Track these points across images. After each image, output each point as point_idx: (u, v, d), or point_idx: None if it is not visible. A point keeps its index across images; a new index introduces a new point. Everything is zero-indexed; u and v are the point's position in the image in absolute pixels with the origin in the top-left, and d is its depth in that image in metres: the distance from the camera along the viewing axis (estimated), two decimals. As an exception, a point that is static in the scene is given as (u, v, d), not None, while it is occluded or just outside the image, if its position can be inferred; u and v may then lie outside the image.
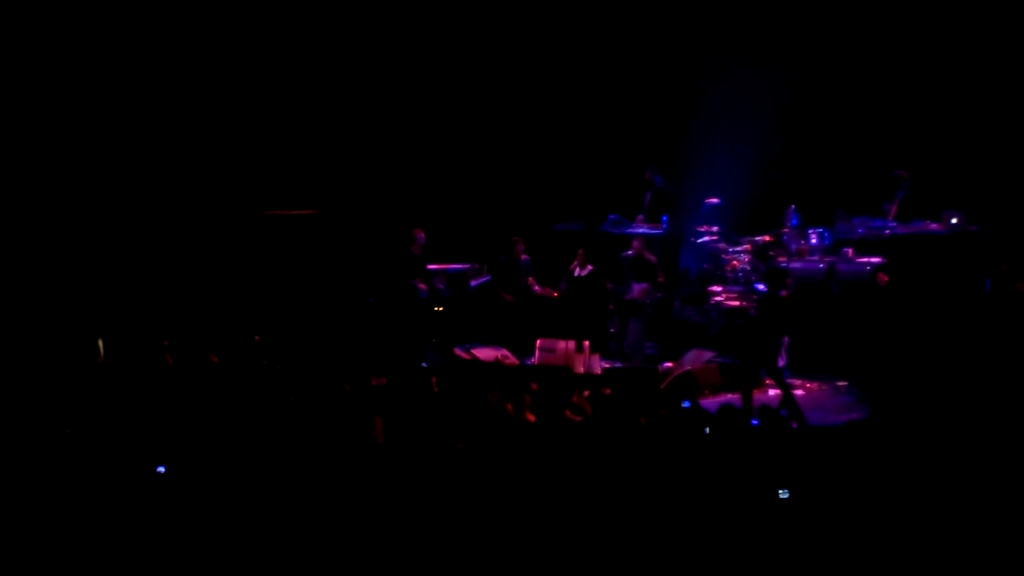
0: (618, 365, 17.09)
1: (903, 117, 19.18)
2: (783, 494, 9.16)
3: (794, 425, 12.21)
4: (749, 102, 19.95)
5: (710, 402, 14.11)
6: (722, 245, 18.58)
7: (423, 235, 18.38)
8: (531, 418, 11.65)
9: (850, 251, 17.71)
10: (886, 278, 16.60)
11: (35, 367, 13.78)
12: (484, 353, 16.63)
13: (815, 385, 16.35)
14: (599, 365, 16.51)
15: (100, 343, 15.35)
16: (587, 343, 16.42)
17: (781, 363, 15.53)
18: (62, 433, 11.21)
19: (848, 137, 19.44)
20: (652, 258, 18.12)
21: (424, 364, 16.77)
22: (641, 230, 19.04)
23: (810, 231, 18.13)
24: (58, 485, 10.13)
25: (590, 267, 18.17)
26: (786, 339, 15.92)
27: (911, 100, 19.19)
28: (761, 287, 17.38)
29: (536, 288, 18.38)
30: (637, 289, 17.78)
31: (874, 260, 17.38)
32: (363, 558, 9.05)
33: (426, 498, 9.54)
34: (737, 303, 17.62)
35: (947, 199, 17.74)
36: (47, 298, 18.08)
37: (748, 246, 18.34)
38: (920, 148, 18.71)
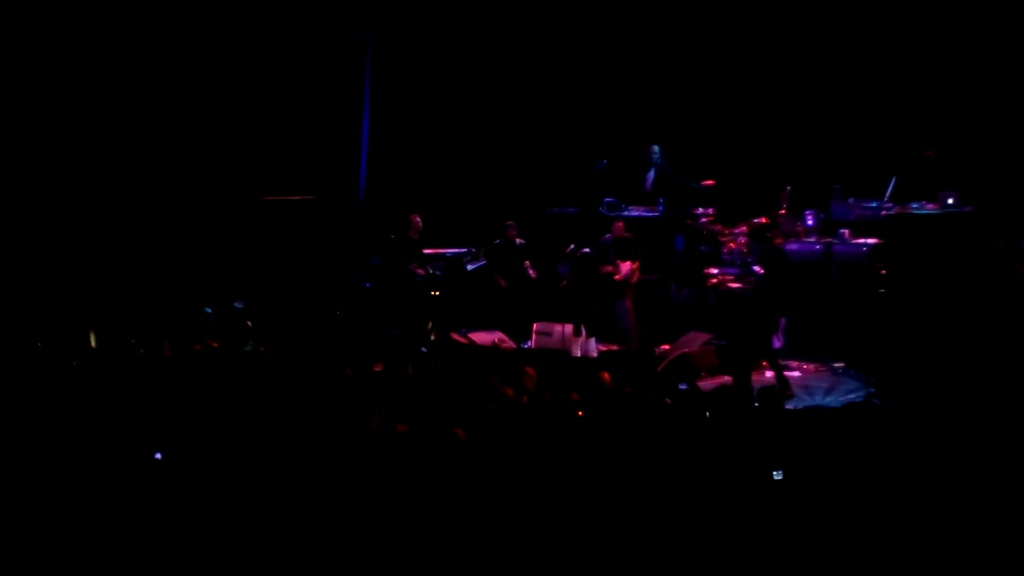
0: (615, 348, 17.07)
1: (899, 98, 19.17)
2: (777, 475, 9.17)
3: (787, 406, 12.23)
4: (745, 83, 19.95)
5: (707, 384, 14.13)
6: (718, 227, 18.57)
7: (420, 220, 18.37)
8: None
9: (846, 232, 17.72)
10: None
11: (32, 355, 13.78)
12: (481, 337, 16.61)
13: (812, 367, 16.36)
14: (596, 348, 16.50)
15: (92, 334, 15.33)
16: (584, 326, 16.39)
17: (778, 345, 15.54)
18: (61, 421, 11.22)
19: (844, 118, 19.42)
20: (629, 235, 18.08)
21: (423, 349, 16.78)
22: (636, 213, 19.04)
23: (806, 212, 18.14)
24: (58, 473, 10.16)
25: (586, 250, 18.14)
26: (783, 321, 15.92)
27: (907, 81, 19.17)
28: (758, 269, 17.40)
29: (531, 272, 18.37)
30: (625, 269, 17.73)
31: (870, 241, 17.41)
32: (364, 545, 9.06)
33: (426, 484, 9.55)
34: (734, 285, 17.63)
35: (943, 179, 17.76)
36: (43, 286, 18.09)
37: (744, 228, 18.35)
38: (916, 129, 18.69)
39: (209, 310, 16.46)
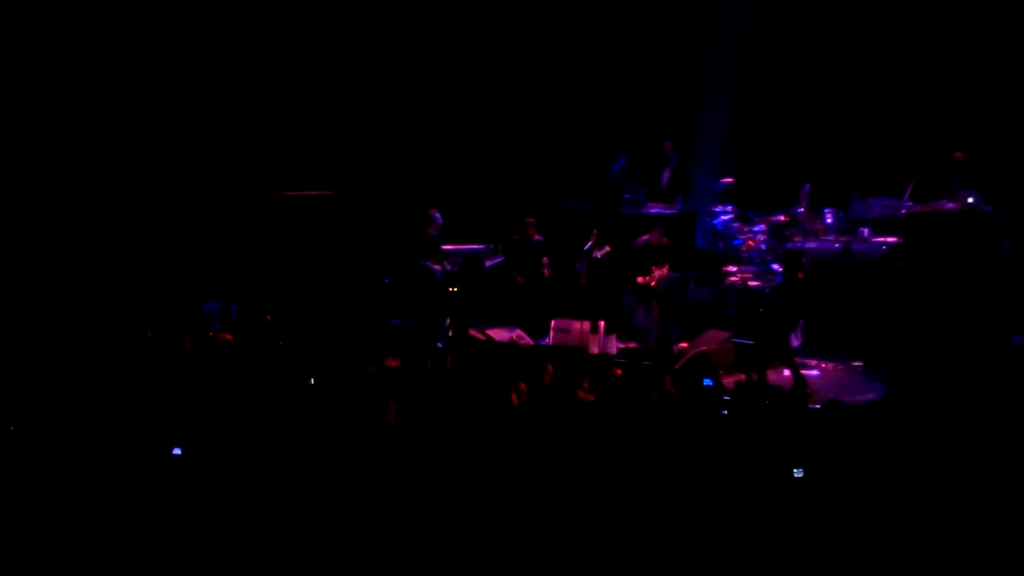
0: (633, 346, 17.06)
1: (920, 96, 19.11)
2: (797, 473, 9.16)
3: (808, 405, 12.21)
4: (764, 81, 19.92)
5: (725, 382, 14.10)
6: (737, 225, 18.55)
7: (440, 216, 18.35)
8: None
9: (866, 231, 17.69)
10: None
11: (53, 349, 13.82)
12: (498, 334, 16.62)
13: (831, 365, 16.32)
14: (615, 345, 16.50)
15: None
16: (602, 323, 16.39)
17: (796, 343, 15.51)
18: (78, 416, 11.25)
19: (864, 117, 19.38)
20: (666, 240, 18.08)
21: (440, 344, 16.79)
22: (656, 210, 19.01)
23: (825, 211, 18.11)
24: (74, 468, 10.18)
25: (607, 248, 18.13)
26: (801, 319, 15.90)
27: (928, 80, 19.12)
28: (776, 267, 17.38)
29: (546, 270, 18.34)
30: (659, 274, 17.72)
31: (890, 240, 17.37)
32: (380, 541, 9.07)
33: (444, 479, 9.55)
34: (753, 283, 17.60)
35: (964, 179, 17.72)
36: (65, 280, 18.15)
37: (763, 225, 18.32)
38: (936, 128, 18.65)
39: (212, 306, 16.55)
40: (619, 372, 12.17)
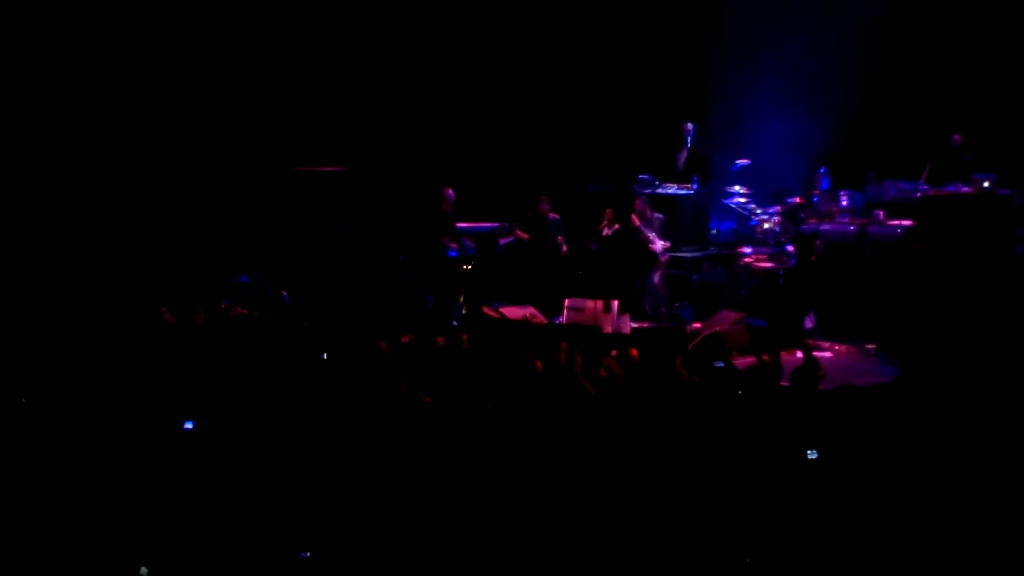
0: (646, 325, 17.06)
1: (935, 79, 19.06)
2: (811, 455, 9.17)
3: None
4: (781, 63, 19.88)
5: (739, 363, 14.09)
6: (752, 206, 18.51)
7: (453, 193, 18.36)
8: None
9: (881, 214, 17.66)
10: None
11: (66, 323, 13.86)
12: (512, 312, 16.62)
13: (844, 348, 16.30)
14: (628, 325, 16.49)
15: None
16: (615, 302, 16.39)
17: (810, 325, 15.48)
18: (90, 389, 11.28)
19: (880, 99, 19.33)
20: (659, 215, 18.03)
21: (455, 322, 16.82)
22: (671, 190, 18.99)
23: (841, 193, 18.08)
24: (86, 442, 10.22)
25: (618, 227, 18.12)
26: (815, 302, 15.85)
27: (944, 63, 19.06)
28: (791, 249, 17.35)
29: (564, 248, 18.33)
30: (660, 242, 17.69)
31: (905, 223, 17.33)
32: (389, 516, 9.08)
33: (460, 457, 9.57)
34: (767, 265, 17.58)
35: (979, 162, 17.68)
36: (79, 255, 18.20)
37: (778, 207, 18.28)
38: (954, 111, 18.60)
39: (245, 279, 16.53)
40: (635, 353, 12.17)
